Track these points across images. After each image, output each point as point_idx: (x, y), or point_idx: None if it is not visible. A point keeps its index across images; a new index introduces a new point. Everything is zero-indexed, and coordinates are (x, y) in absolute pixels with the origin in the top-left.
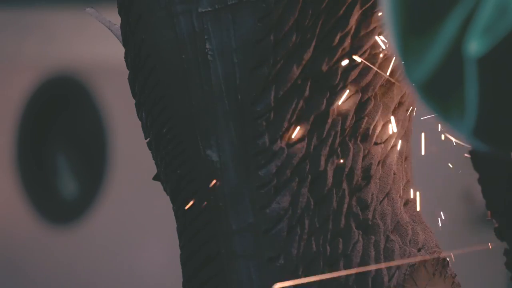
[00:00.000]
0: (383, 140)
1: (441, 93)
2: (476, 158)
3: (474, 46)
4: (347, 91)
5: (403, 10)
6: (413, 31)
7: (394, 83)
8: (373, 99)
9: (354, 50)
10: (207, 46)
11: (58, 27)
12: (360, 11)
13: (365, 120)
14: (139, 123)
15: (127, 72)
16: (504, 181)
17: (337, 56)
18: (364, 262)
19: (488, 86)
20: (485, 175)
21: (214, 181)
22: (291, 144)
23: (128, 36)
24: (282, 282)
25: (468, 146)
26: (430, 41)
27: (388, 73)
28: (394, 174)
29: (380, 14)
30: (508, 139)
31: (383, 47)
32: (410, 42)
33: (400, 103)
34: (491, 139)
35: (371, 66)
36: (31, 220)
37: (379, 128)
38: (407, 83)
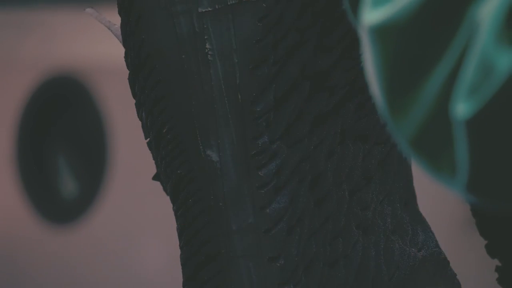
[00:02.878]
0: (383, 140)
1: (430, 151)
2: None
3: (461, 108)
4: (347, 91)
5: (386, 68)
6: (397, 89)
7: None
8: (373, 99)
9: (355, 49)
10: (207, 46)
11: (58, 27)
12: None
13: (365, 120)
14: (139, 123)
15: (127, 72)
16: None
17: (337, 56)
18: (364, 262)
19: (479, 146)
20: None
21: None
22: (291, 144)
23: (128, 36)
24: None
25: None
26: (414, 100)
27: None
28: (394, 174)
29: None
30: (502, 195)
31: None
32: (395, 100)
33: None
34: (485, 195)
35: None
36: (31, 220)
37: (379, 128)
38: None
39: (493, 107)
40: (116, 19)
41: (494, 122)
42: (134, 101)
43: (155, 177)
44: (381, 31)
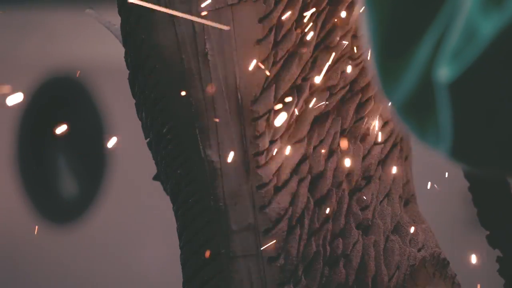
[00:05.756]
0: (383, 140)
1: (417, 115)
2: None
3: (444, 72)
4: (347, 91)
5: (380, 34)
6: (389, 54)
7: None
8: (373, 99)
9: (354, 50)
10: (207, 46)
11: (58, 27)
12: (360, 11)
13: (365, 120)
14: (139, 123)
15: (127, 72)
16: (494, 191)
17: (337, 56)
18: (364, 262)
19: (461, 111)
20: (474, 184)
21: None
22: (291, 144)
23: (128, 36)
24: None
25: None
26: (405, 65)
27: None
28: (394, 174)
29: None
30: (484, 160)
31: None
32: (387, 65)
33: None
34: (468, 159)
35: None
36: (31, 220)
37: (379, 128)
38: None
39: (475, 72)
40: (116, 19)
41: (476, 87)
42: (134, 101)
43: (155, 177)
44: None
